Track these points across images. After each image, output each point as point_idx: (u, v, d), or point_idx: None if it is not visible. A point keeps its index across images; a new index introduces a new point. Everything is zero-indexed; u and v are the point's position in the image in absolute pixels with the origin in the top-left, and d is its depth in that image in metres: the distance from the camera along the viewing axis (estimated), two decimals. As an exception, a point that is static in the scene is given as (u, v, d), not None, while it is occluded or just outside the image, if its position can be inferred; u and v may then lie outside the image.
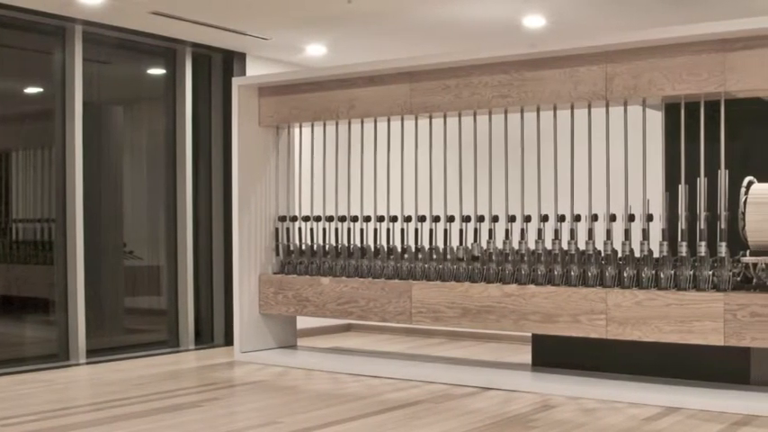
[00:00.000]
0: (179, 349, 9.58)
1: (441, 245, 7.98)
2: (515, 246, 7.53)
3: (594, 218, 7.18)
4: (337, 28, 8.83)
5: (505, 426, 5.94)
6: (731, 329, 6.38)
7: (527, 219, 7.54)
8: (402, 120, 8.25)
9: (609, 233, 7.09)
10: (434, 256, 7.93)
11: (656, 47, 6.76)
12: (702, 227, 6.70)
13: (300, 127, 8.99)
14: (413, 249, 8.09)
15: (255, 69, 9.95)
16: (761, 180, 6.69)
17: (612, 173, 7.12)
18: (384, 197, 8.34)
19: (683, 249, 6.71)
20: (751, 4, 7.50)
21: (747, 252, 6.54)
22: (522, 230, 7.51)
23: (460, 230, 7.87)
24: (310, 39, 9.34)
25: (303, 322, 9.69)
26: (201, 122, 9.94)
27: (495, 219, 7.71)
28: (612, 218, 7.11)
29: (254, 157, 8.89)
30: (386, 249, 8.25)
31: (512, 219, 7.62)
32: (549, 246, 7.37)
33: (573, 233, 7.25)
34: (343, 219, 8.57)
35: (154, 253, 9.90)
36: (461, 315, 7.63)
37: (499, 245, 7.65)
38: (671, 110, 7.03)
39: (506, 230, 7.57)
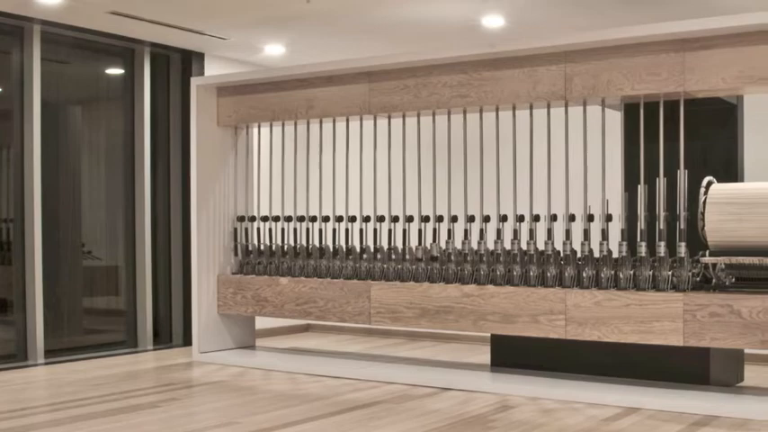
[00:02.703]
0: (137, 350, 9.46)
1: (399, 245, 7.88)
2: (474, 246, 7.44)
3: (554, 218, 7.10)
4: (296, 28, 8.74)
5: (464, 426, 5.85)
6: (691, 330, 6.30)
7: (486, 219, 7.43)
8: (361, 120, 8.14)
9: (568, 233, 6.99)
10: (393, 257, 7.83)
11: (615, 47, 6.69)
12: (662, 227, 6.62)
13: (259, 127, 8.87)
14: (372, 249, 7.99)
15: (214, 69, 9.87)
16: (720, 180, 6.68)
17: (572, 173, 7.03)
18: (343, 197, 8.24)
19: (643, 249, 6.63)
20: (710, 3, 7.46)
21: (707, 252, 6.48)
22: (482, 230, 7.40)
23: (419, 231, 7.76)
24: (269, 38, 9.26)
25: (262, 322, 9.59)
26: (160, 122, 9.85)
27: (454, 219, 7.61)
28: (572, 218, 7.02)
29: (212, 157, 8.77)
30: (344, 249, 8.15)
31: (471, 219, 7.52)
32: (508, 246, 7.28)
33: (532, 233, 7.16)
34: (301, 219, 8.46)
35: (112, 253, 9.79)
36: (420, 315, 7.52)
37: (458, 245, 7.56)
38: (630, 110, 6.99)
39: (465, 231, 7.48)
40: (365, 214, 8.11)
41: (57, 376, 7.90)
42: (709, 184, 6.56)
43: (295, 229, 8.47)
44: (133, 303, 9.61)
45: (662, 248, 6.55)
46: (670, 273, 6.51)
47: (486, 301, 7.16)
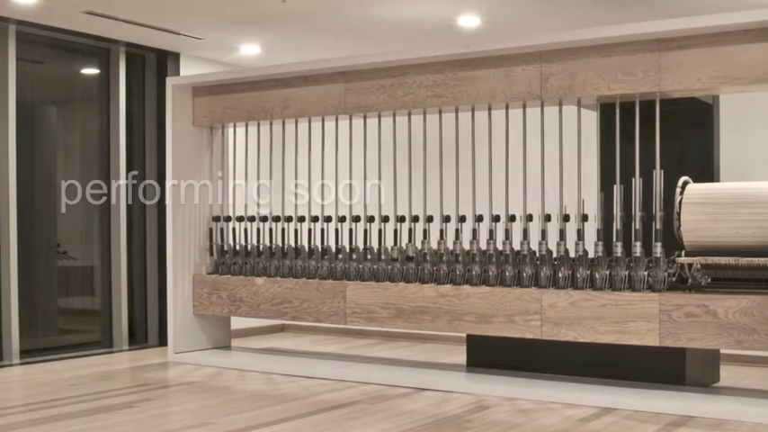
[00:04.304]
0: (113, 350, 9.37)
1: (375, 245, 7.77)
2: (450, 246, 7.36)
3: (530, 218, 7.03)
4: (271, 27, 8.67)
5: (440, 426, 5.80)
6: (666, 330, 6.23)
7: (462, 219, 7.37)
8: (336, 120, 8.05)
9: (544, 233, 6.90)
10: (369, 257, 7.74)
11: (591, 46, 6.61)
12: (638, 227, 6.56)
13: (234, 127, 8.80)
14: (347, 249, 7.90)
15: (189, 69, 9.77)
16: (696, 180, 6.63)
17: (547, 173, 6.96)
18: (318, 197, 8.13)
19: (619, 249, 6.56)
20: (686, 3, 7.42)
21: (682, 252, 6.41)
22: (457, 231, 7.32)
23: (395, 231, 7.68)
24: (244, 38, 9.18)
25: (237, 323, 9.49)
26: (135, 122, 9.76)
27: (429, 219, 7.54)
28: (548, 218, 6.94)
29: (188, 157, 8.67)
30: (320, 249, 8.06)
31: (446, 219, 7.43)
32: (483, 246, 7.19)
33: (508, 233, 7.07)
34: (277, 219, 8.37)
35: (87, 253, 9.70)
36: (396, 316, 7.44)
37: (434, 245, 7.46)
38: (606, 110, 6.94)
39: (441, 231, 7.38)
40: (341, 214, 8.03)
41: (32, 376, 7.84)
42: (685, 184, 6.52)
43: (270, 230, 8.38)
44: (108, 303, 9.51)
45: (638, 248, 6.49)
46: (646, 273, 6.44)
47: (462, 302, 7.08)
